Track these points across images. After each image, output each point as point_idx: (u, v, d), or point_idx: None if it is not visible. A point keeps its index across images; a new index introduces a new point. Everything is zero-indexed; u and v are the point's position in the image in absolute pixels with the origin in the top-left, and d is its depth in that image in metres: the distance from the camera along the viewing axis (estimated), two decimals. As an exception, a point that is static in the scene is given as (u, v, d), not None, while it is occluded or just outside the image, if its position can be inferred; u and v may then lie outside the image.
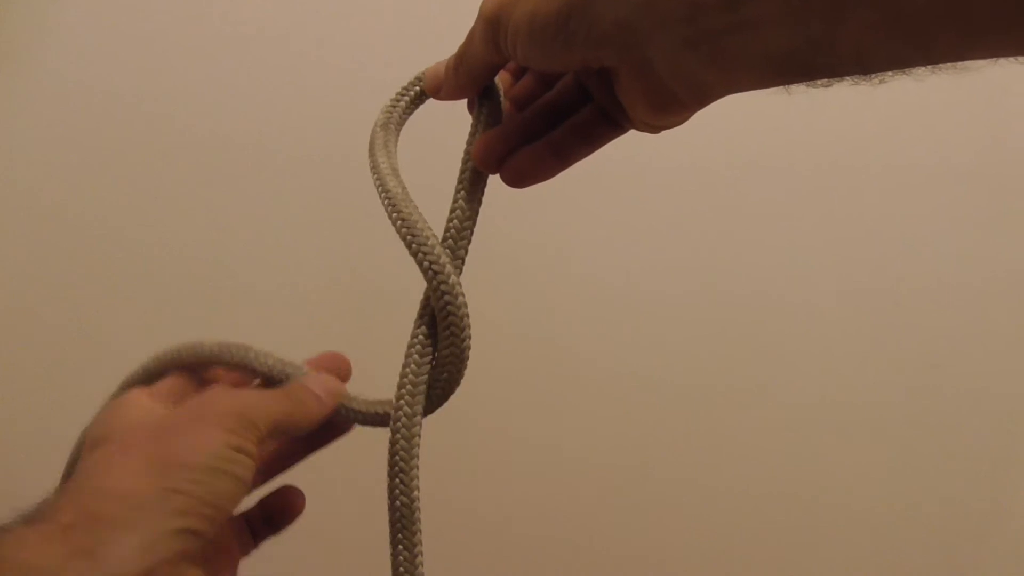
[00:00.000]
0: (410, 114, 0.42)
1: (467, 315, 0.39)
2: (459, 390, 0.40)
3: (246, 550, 0.40)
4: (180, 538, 0.31)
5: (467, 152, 0.40)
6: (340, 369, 0.42)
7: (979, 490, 0.88)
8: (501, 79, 0.40)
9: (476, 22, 0.34)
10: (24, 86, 0.86)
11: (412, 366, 0.39)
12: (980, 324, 0.88)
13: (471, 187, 0.40)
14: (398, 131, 0.42)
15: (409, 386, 0.38)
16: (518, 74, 0.40)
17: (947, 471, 0.88)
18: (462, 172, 0.40)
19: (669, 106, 0.31)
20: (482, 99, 0.40)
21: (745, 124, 0.87)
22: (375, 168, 0.40)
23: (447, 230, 0.40)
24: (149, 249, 0.87)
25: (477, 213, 0.40)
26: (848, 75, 0.26)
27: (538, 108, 0.39)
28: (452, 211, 0.40)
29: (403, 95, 0.42)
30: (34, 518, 0.30)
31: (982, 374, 0.88)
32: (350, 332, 0.85)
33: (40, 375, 0.86)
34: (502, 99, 0.40)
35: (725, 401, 0.88)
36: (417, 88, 0.42)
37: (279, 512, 0.42)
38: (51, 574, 0.28)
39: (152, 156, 0.86)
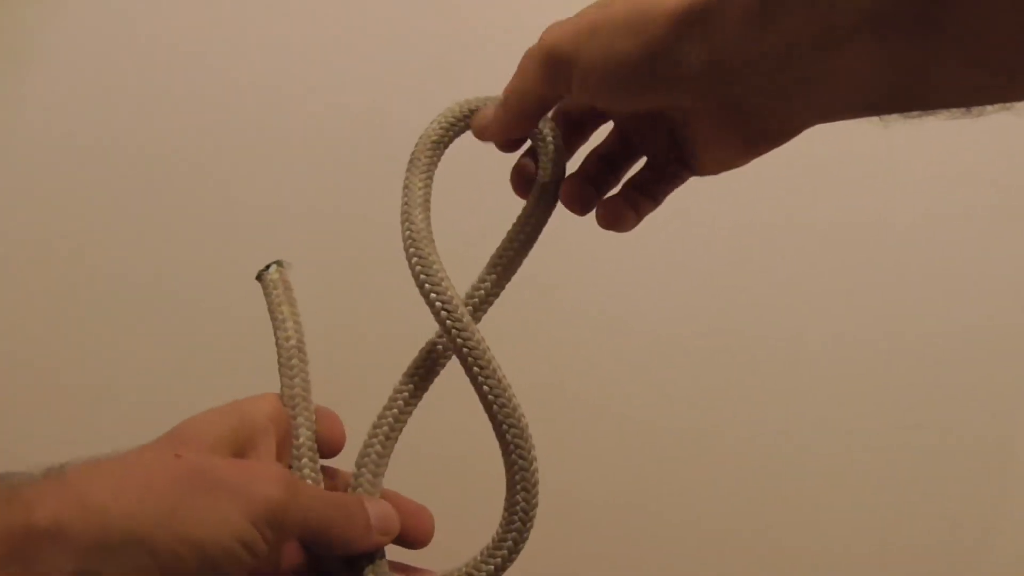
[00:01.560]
0: (453, 140, 0.39)
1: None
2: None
3: None
4: None
5: (534, 201, 0.38)
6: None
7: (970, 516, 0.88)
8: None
9: (532, 55, 0.32)
10: (19, 95, 0.86)
11: None
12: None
13: (528, 240, 0.38)
14: (441, 155, 0.39)
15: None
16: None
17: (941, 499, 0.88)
18: (524, 223, 0.38)
19: (752, 144, 0.31)
20: (543, 139, 0.38)
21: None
22: (408, 189, 0.38)
23: (477, 287, 0.38)
24: (146, 257, 0.87)
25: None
26: (946, 107, 0.25)
27: (590, 158, 0.38)
28: (486, 275, 0.38)
29: (460, 119, 0.38)
30: (13, 498, 0.28)
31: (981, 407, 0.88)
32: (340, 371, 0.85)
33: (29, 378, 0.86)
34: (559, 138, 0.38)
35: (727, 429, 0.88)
36: (467, 120, 0.39)
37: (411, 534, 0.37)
38: None
39: (148, 167, 0.87)
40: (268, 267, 0.40)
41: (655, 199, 0.37)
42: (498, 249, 0.39)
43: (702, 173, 0.34)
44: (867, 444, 0.88)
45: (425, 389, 0.39)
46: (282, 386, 0.38)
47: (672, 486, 0.88)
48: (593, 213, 0.37)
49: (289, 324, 0.39)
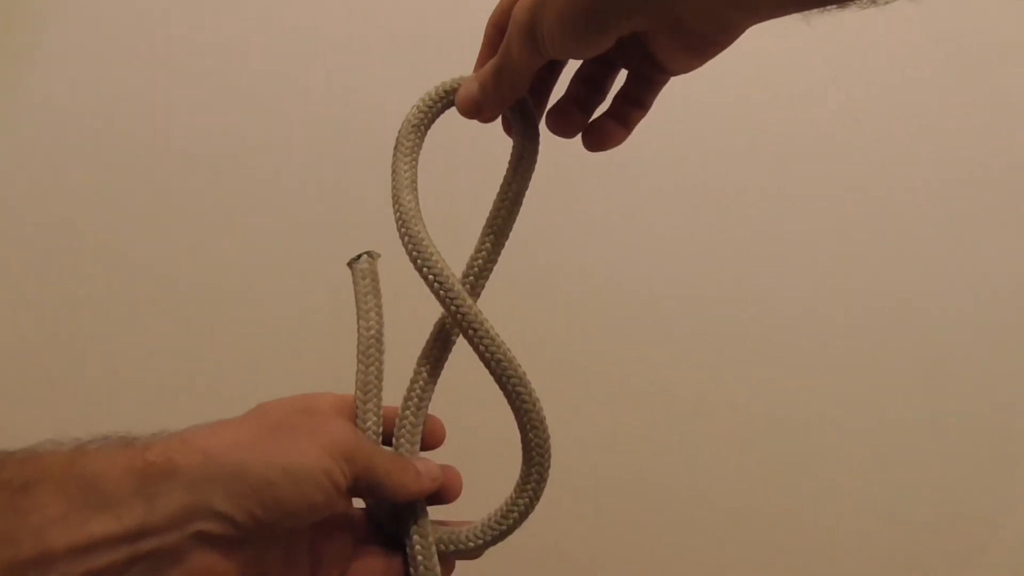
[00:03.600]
0: (433, 123, 0.42)
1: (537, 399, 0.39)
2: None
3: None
4: (216, 520, 0.32)
5: (513, 167, 0.41)
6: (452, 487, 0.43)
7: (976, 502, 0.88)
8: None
9: (510, 33, 0.36)
10: (17, 97, 0.87)
11: None
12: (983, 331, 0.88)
13: (509, 214, 0.40)
14: (423, 138, 0.41)
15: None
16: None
17: (946, 485, 0.88)
18: (506, 191, 0.40)
19: (705, 49, 0.35)
20: (517, 112, 0.41)
21: (748, 122, 0.87)
22: (395, 173, 0.40)
23: (475, 258, 0.41)
24: (147, 253, 0.87)
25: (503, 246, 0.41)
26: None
27: (575, 81, 0.41)
28: (481, 245, 0.41)
29: (437, 101, 0.41)
30: (130, 442, 0.33)
31: (983, 386, 0.88)
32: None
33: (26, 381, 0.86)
34: (534, 110, 0.41)
35: (724, 405, 0.88)
36: (447, 100, 0.41)
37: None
38: (113, 501, 0.30)
39: (147, 169, 0.87)
40: (360, 256, 0.43)
41: (643, 105, 0.41)
42: (487, 220, 0.41)
43: (674, 74, 0.39)
44: (867, 439, 0.88)
45: (444, 360, 0.43)
46: (357, 372, 0.41)
47: (677, 461, 0.88)
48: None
49: (372, 314, 0.41)
